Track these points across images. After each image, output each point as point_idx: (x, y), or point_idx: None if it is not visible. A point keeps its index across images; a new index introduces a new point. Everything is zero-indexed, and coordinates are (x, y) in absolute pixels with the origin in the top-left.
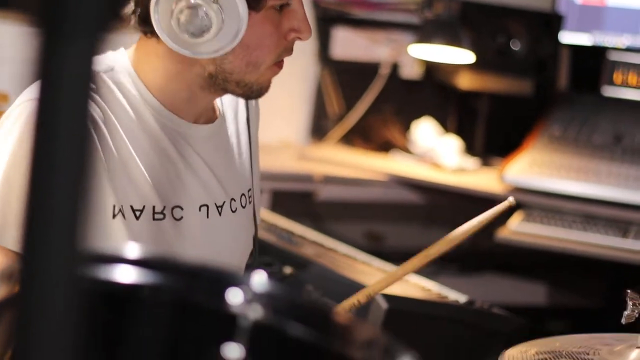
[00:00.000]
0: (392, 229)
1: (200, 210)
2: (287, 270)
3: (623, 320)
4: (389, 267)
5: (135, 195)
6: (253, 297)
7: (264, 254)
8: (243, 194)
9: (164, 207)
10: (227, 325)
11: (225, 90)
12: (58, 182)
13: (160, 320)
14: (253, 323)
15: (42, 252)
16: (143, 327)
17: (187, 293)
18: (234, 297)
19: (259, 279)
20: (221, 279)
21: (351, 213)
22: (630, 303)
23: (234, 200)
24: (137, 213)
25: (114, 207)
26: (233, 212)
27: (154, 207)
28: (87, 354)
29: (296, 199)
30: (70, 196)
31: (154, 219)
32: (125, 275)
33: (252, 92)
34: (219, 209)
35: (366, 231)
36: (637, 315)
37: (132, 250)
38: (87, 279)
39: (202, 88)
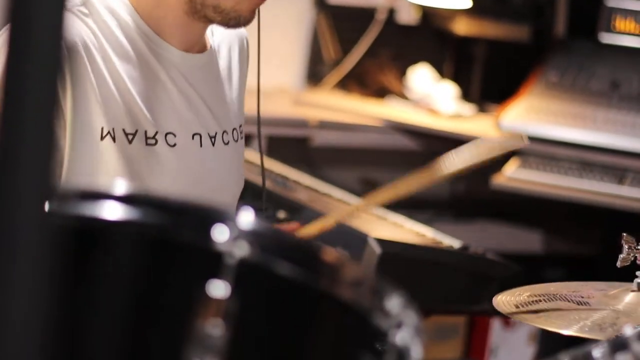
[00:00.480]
0: (387, 175)
1: (193, 138)
2: (281, 214)
3: (618, 264)
4: (382, 212)
5: (128, 118)
6: (239, 235)
7: (257, 198)
8: (235, 129)
9: (157, 132)
10: (212, 262)
11: (206, 17)
12: (28, 117)
13: (145, 258)
14: (239, 261)
15: (12, 188)
16: (127, 265)
17: (172, 230)
18: (220, 234)
19: (246, 217)
20: (207, 216)
21: (346, 159)
22: (625, 246)
23: (226, 133)
24: (130, 137)
25: (102, 129)
26: (225, 144)
27: (146, 131)
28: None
29: (291, 145)
30: (41, 133)
31: (146, 143)
32: (109, 211)
33: (230, 19)
34: (212, 139)
35: (361, 177)
36: (632, 259)
37: (117, 186)
38: (60, 216)
39: (187, 14)
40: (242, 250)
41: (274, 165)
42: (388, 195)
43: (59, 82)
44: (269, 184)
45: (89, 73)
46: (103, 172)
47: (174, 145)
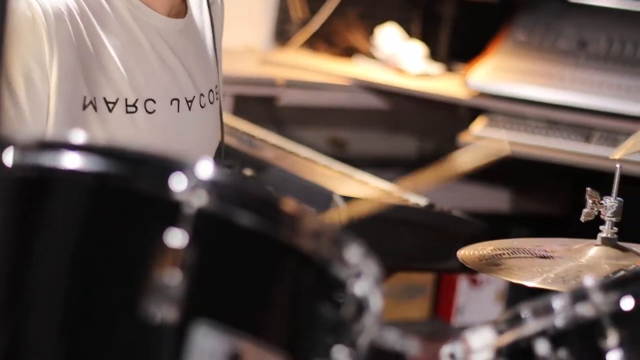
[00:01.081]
0: (355, 135)
1: (171, 104)
2: (247, 172)
3: (582, 218)
4: (350, 170)
5: (109, 87)
6: (198, 184)
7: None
8: (211, 90)
9: (137, 100)
10: (171, 212)
11: None
12: None
13: (102, 207)
14: (197, 210)
15: None
16: (84, 214)
17: (130, 179)
18: (178, 183)
19: (205, 167)
20: (165, 166)
21: (314, 118)
22: (589, 201)
23: (203, 96)
24: (111, 105)
25: (85, 98)
26: (202, 107)
27: (126, 99)
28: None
29: (259, 104)
30: None
31: (127, 111)
32: (67, 161)
33: None
34: (189, 103)
35: (329, 137)
36: (596, 214)
37: (77, 137)
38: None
39: None
40: (200, 199)
41: (240, 124)
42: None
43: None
44: (235, 143)
45: (73, 41)
46: None
47: (153, 112)
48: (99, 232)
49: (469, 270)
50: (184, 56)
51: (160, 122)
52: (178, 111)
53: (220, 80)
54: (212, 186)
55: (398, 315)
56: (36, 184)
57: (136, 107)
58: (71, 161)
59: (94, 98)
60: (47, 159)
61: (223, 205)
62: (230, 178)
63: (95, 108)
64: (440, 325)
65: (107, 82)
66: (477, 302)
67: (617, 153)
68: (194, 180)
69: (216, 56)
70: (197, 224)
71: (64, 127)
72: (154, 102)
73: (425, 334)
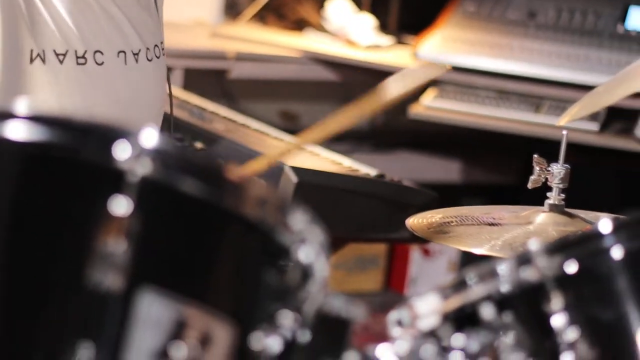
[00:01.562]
0: (306, 107)
1: (118, 56)
2: (198, 145)
3: (529, 185)
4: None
5: (58, 39)
6: (142, 152)
7: (175, 130)
8: (156, 45)
9: (86, 52)
10: (115, 181)
11: None
12: None
13: (46, 177)
14: (141, 178)
15: None
16: (29, 184)
17: (74, 149)
18: (122, 152)
19: (149, 135)
20: (109, 135)
21: (265, 91)
22: (536, 168)
23: (149, 50)
24: (61, 57)
25: (32, 51)
26: (149, 60)
27: (76, 51)
28: None
29: (209, 78)
30: None
31: (77, 63)
32: (11, 131)
33: None
34: (136, 56)
35: (280, 110)
36: (543, 180)
37: (19, 106)
38: None
39: None
40: (144, 168)
41: (191, 98)
42: (322, 131)
43: None
44: (186, 116)
45: None
46: (33, 96)
47: (102, 63)
48: (43, 202)
49: (420, 240)
50: (128, 8)
51: (109, 74)
52: (125, 63)
53: (163, 37)
54: (156, 154)
55: (351, 287)
56: None
57: (86, 59)
58: (14, 131)
59: (42, 51)
60: None
61: (167, 173)
62: (174, 146)
63: (43, 61)
64: (393, 296)
65: (55, 35)
66: (430, 273)
67: (563, 119)
68: (138, 149)
69: (159, 14)
70: (142, 192)
71: (10, 83)
72: (102, 53)
73: (378, 306)
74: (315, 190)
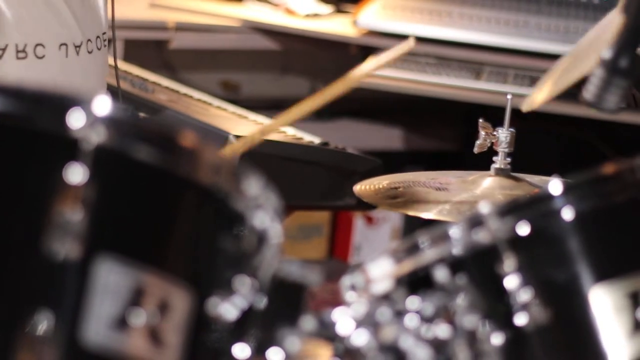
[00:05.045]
0: (247, 77)
1: (60, 49)
2: (141, 116)
3: (475, 149)
4: (244, 112)
5: None
6: (96, 120)
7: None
8: (98, 36)
9: (26, 45)
10: (69, 149)
11: None
12: None
13: (1, 147)
14: (96, 146)
15: None
16: None
17: (27, 118)
18: (76, 120)
19: (102, 103)
20: (63, 103)
21: (205, 61)
22: (482, 132)
23: (90, 42)
24: (0, 52)
25: None
26: (89, 53)
27: (16, 44)
28: None
29: (149, 48)
30: None
31: (17, 57)
32: None
33: None
34: (77, 49)
35: (221, 80)
36: (488, 145)
37: None
38: None
39: None
40: (99, 135)
41: (132, 69)
42: (298, 111)
43: None
44: (127, 86)
45: None
46: None
47: (43, 57)
48: None
49: (366, 207)
50: (71, 0)
51: (50, 68)
52: (67, 56)
53: (106, 26)
54: (110, 122)
55: (295, 256)
56: None
57: (26, 53)
58: None
59: None
60: None
61: (122, 141)
62: (127, 114)
63: None
64: (337, 265)
65: None
66: (373, 240)
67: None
68: (91, 117)
69: (104, 3)
70: (97, 160)
71: None
72: (43, 47)
73: (323, 274)
74: (260, 158)
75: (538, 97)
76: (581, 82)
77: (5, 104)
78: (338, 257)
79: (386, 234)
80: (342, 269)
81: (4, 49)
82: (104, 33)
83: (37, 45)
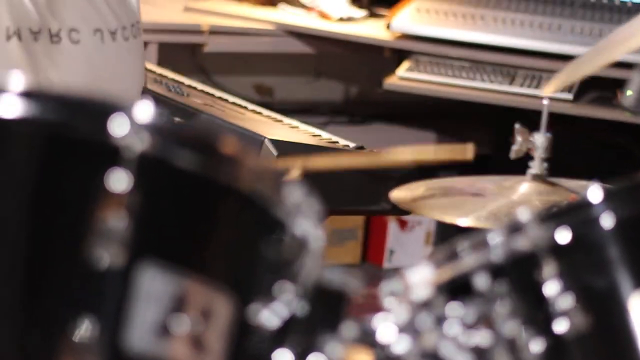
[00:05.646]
0: (280, 81)
1: (95, 34)
2: (177, 120)
3: (512, 155)
4: (278, 116)
5: (33, 17)
6: (139, 127)
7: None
8: (133, 24)
9: (60, 30)
10: (113, 156)
11: None
12: None
13: (43, 155)
14: (140, 153)
15: None
16: (25, 162)
17: (69, 125)
18: (119, 127)
19: (145, 109)
20: (105, 110)
21: (239, 65)
22: (518, 137)
23: (125, 29)
24: (35, 35)
25: (8, 28)
26: (125, 40)
27: (50, 29)
28: None
29: (183, 52)
30: None
31: (51, 41)
32: (4, 108)
33: None
34: (112, 35)
35: (254, 83)
36: (525, 150)
37: (13, 82)
38: None
39: None
40: (142, 142)
41: (166, 72)
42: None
43: None
44: (162, 90)
45: None
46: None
47: (78, 41)
48: (40, 181)
49: (401, 212)
50: None
51: (85, 53)
52: (102, 42)
53: (139, 15)
54: (152, 129)
55: (329, 260)
56: None
57: (60, 37)
58: (9, 108)
59: (18, 28)
60: None
61: (164, 148)
62: (170, 121)
63: (20, 38)
64: (371, 269)
65: (30, 12)
66: (407, 245)
67: (547, 89)
68: (134, 124)
69: None
70: (140, 167)
71: None
72: (78, 31)
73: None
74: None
75: (555, 83)
76: (617, 87)
77: (47, 110)
78: (372, 261)
79: (420, 238)
80: (377, 274)
81: (38, 32)
82: (137, 22)
83: (71, 30)
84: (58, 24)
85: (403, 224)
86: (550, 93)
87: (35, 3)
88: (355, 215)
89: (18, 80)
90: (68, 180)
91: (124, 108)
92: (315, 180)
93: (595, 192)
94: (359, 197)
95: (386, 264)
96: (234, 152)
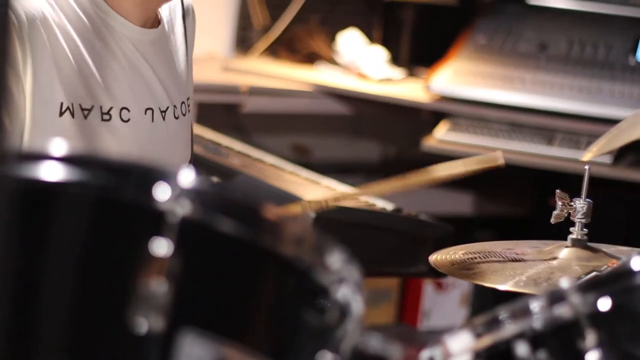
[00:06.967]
0: (318, 141)
1: (146, 113)
2: (214, 180)
3: (552, 220)
4: (316, 177)
5: (85, 94)
6: (181, 193)
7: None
8: (183, 102)
9: (111, 108)
10: (155, 221)
11: None
12: None
13: (87, 218)
14: (181, 219)
15: None
16: (70, 226)
17: (114, 190)
18: (162, 193)
19: (187, 175)
20: (149, 175)
21: (277, 125)
22: (559, 203)
23: (176, 107)
24: (86, 112)
25: (62, 104)
26: (175, 118)
27: (101, 107)
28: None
29: (222, 111)
30: None
31: (102, 119)
32: (50, 172)
33: None
34: (163, 114)
35: (292, 143)
36: (565, 215)
37: (58, 147)
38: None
39: None
40: (184, 208)
41: (204, 132)
42: (378, 188)
43: (8, 50)
44: (201, 150)
45: (48, 47)
46: None
47: (128, 120)
48: (84, 244)
49: (437, 275)
50: (157, 66)
51: (134, 132)
52: (152, 121)
53: (191, 92)
54: (194, 194)
55: (364, 321)
56: (19, 197)
57: (110, 115)
58: (55, 173)
59: (71, 104)
60: (29, 170)
61: (206, 213)
62: (211, 186)
63: (72, 114)
64: (406, 330)
65: (83, 89)
66: (442, 306)
67: (587, 155)
68: (177, 189)
69: (188, 68)
70: (182, 233)
71: (40, 134)
72: (129, 110)
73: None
74: (333, 224)
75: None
76: None
77: (93, 175)
78: (407, 322)
79: (455, 299)
80: (412, 334)
81: (89, 110)
82: (188, 98)
83: (122, 108)
84: (110, 103)
85: (439, 285)
86: (589, 159)
87: (88, 81)
88: (392, 277)
89: (68, 148)
90: (111, 244)
91: (167, 173)
92: (351, 242)
93: (637, 261)
94: (397, 259)
95: (421, 325)
96: (275, 217)
